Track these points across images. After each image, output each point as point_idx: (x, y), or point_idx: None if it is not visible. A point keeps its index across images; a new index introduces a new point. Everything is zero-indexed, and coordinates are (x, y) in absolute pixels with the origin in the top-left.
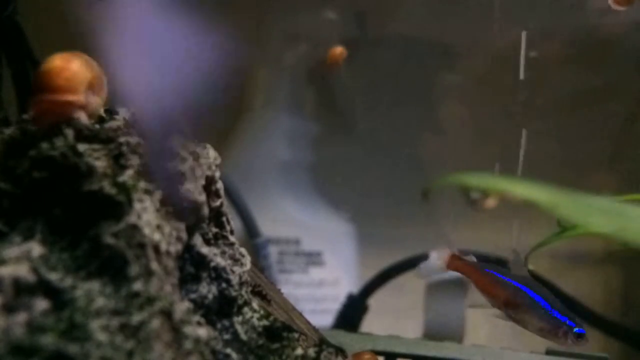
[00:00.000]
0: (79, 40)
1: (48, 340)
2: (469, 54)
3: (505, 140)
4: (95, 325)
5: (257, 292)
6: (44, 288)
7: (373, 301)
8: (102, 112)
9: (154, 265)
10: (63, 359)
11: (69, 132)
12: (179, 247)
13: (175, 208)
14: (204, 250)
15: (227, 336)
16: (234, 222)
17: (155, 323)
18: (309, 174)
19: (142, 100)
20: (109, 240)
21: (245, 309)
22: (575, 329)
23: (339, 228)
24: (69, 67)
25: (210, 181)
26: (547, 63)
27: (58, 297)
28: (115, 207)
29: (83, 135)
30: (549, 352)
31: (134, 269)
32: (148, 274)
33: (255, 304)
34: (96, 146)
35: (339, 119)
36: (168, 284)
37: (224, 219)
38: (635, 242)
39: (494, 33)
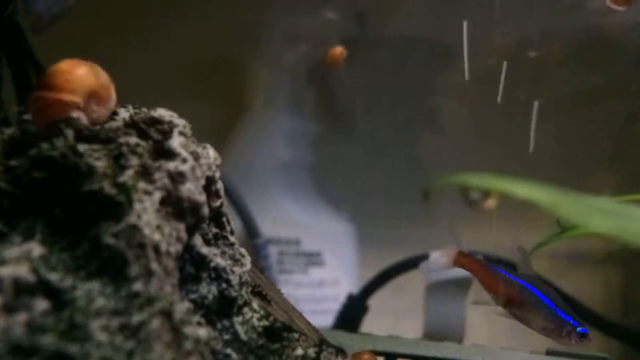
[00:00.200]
0: None
1: (48, 341)
2: (469, 54)
3: (505, 140)
4: (95, 325)
5: (257, 293)
6: (44, 288)
7: (373, 301)
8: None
9: (154, 266)
10: (63, 359)
11: (69, 133)
12: (179, 247)
13: (175, 208)
14: (204, 250)
15: (227, 336)
16: (234, 222)
17: (155, 323)
18: (309, 174)
19: None
20: (109, 240)
21: (246, 309)
22: (579, 329)
23: (339, 228)
24: (73, 71)
25: (210, 181)
26: (547, 63)
27: (58, 298)
28: (115, 208)
29: (83, 135)
30: (549, 352)
31: (134, 269)
32: (148, 274)
33: (255, 304)
34: (96, 146)
35: (339, 119)
36: (168, 284)
37: (224, 219)
38: (635, 242)
39: (494, 33)
